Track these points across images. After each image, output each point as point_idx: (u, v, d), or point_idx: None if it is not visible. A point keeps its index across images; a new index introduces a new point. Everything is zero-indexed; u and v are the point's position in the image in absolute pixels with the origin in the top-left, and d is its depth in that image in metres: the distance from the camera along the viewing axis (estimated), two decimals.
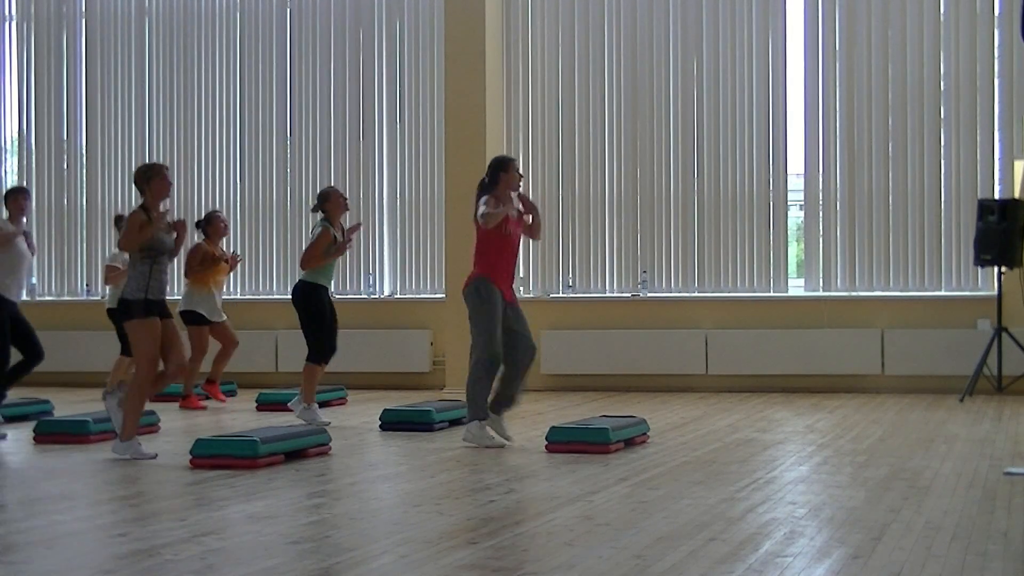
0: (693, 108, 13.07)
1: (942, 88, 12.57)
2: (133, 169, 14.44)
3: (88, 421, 9.08)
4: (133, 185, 8.50)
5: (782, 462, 7.87)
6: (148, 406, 10.25)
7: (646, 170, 13.15)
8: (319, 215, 10.18)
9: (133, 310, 8.09)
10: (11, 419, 10.27)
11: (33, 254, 10.00)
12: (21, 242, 9.57)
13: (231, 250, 12.27)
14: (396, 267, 13.83)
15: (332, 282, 10.33)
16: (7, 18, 15.10)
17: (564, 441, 8.29)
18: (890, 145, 12.64)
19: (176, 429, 9.71)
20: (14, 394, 11.83)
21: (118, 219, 12.47)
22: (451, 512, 6.21)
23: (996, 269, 11.79)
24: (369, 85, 13.94)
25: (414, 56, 13.81)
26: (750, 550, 5.24)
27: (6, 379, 9.73)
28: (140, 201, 8.31)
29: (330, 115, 14.03)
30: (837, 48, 12.78)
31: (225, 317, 11.74)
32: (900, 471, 7.33)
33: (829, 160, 12.78)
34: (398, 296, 13.82)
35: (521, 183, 8.89)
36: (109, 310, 12.09)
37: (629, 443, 8.48)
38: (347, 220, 10.67)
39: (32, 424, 9.43)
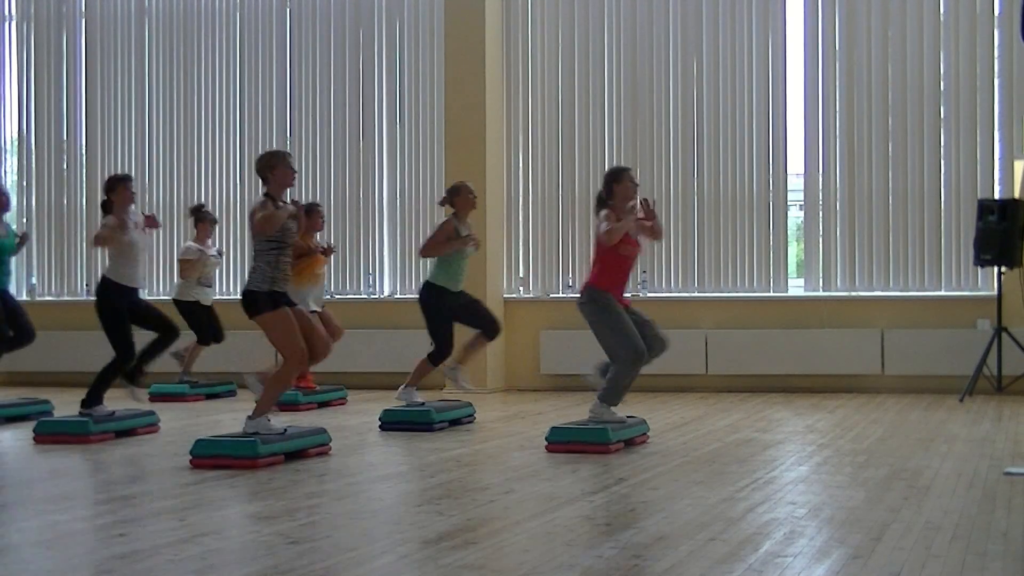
0: (693, 108, 13.07)
1: (942, 88, 12.57)
2: (133, 169, 14.50)
3: (88, 421, 9.08)
4: (255, 173, 8.31)
5: (782, 462, 7.87)
6: (148, 406, 10.30)
7: (646, 170, 13.15)
8: (447, 209, 10.11)
9: (260, 303, 7.90)
10: (11, 419, 10.28)
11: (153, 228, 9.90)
12: (132, 230, 9.42)
13: (327, 242, 12.18)
14: (396, 267, 13.83)
15: (459, 284, 9.95)
16: (7, 18, 15.10)
17: (564, 441, 8.29)
18: (890, 145, 12.64)
19: (176, 429, 9.71)
20: (14, 394, 11.84)
21: (195, 209, 12.46)
22: (451, 512, 6.21)
23: (996, 269, 11.79)
24: (369, 85, 13.94)
25: (414, 56, 13.81)
26: (750, 550, 5.24)
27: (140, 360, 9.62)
28: (263, 191, 8.13)
29: (330, 115, 14.03)
30: (837, 48, 12.78)
31: (321, 308, 11.62)
32: (900, 471, 7.33)
33: (829, 160, 12.78)
34: (398, 296, 13.82)
35: (638, 192, 8.78)
36: (177, 301, 12.14)
37: (629, 443, 8.48)
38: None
39: (32, 424, 9.43)
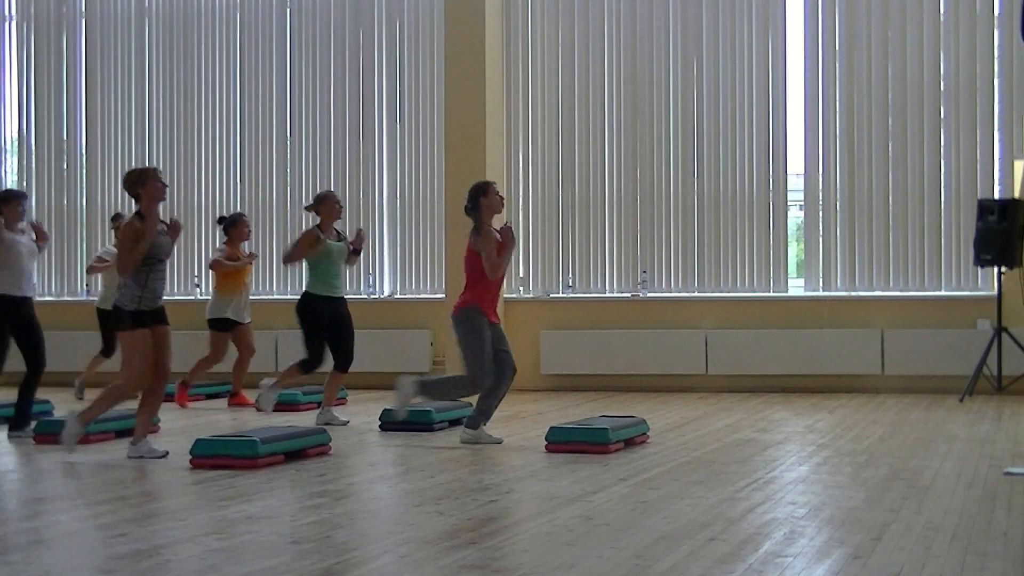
0: (693, 108, 13.07)
1: (942, 88, 12.57)
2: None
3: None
4: (126, 192, 8.33)
5: (782, 462, 7.87)
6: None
7: (646, 170, 13.15)
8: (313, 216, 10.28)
9: (123, 320, 8.02)
10: (9, 419, 10.26)
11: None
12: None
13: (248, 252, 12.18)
14: (396, 267, 13.83)
15: (337, 291, 10.06)
16: (7, 18, 15.10)
17: (564, 441, 8.29)
18: (890, 145, 12.64)
19: (176, 429, 9.71)
20: (14, 394, 11.81)
21: (115, 217, 12.47)
22: (451, 512, 6.21)
23: (996, 269, 11.79)
24: (369, 85, 13.94)
25: (414, 56, 13.81)
26: (750, 550, 5.24)
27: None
28: (135, 208, 8.18)
29: (330, 115, 14.04)
30: (837, 48, 12.79)
31: (250, 319, 11.72)
32: (900, 471, 7.33)
33: (829, 160, 12.78)
34: (398, 296, 13.82)
35: (503, 205, 8.90)
36: (99, 309, 12.05)
37: (629, 443, 8.48)
38: (346, 225, 10.63)
39: (32, 424, 9.42)
